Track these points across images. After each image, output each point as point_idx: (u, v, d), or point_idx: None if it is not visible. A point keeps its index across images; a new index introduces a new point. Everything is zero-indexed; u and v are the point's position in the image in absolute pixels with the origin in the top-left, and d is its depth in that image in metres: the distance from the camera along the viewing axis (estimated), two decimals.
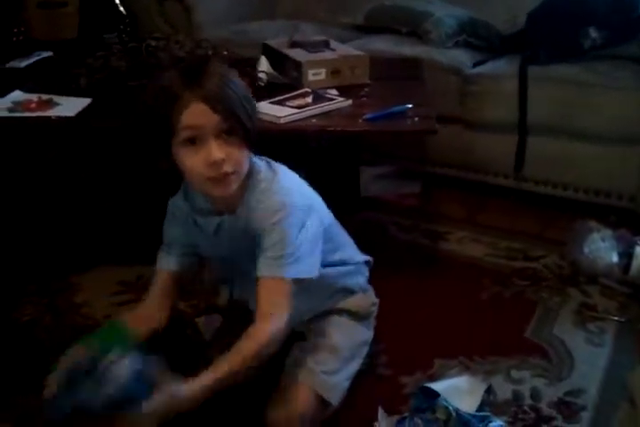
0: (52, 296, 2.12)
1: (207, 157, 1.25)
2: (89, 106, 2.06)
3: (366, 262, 1.71)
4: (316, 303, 1.59)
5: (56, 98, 2.08)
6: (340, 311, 1.63)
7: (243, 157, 1.32)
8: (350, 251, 1.67)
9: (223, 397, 1.32)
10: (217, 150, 1.25)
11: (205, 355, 1.46)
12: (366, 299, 1.69)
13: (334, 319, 1.61)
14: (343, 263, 1.62)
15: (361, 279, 1.70)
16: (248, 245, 1.40)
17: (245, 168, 1.35)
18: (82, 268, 2.24)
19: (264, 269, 1.35)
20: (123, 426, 1.16)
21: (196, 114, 1.24)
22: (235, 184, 1.33)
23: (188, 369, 1.31)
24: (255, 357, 1.30)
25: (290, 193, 1.40)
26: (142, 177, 2.33)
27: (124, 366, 1.15)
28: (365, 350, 1.65)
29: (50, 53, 2.54)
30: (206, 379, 1.24)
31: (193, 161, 1.27)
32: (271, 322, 1.33)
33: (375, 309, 1.71)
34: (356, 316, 1.64)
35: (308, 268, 1.38)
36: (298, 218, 1.37)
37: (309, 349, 1.54)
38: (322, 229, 1.46)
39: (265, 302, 1.34)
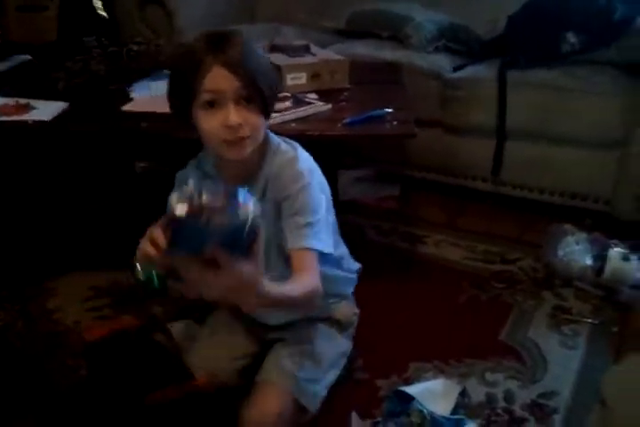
0: (24, 302, 2.11)
1: (224, 120, 1.29)
2: (66, 110, 2.05)
3: (357, 270, 1.73)
4: None
5: (33, 102, 2.08)
6: (325, 320, 1.64)
7: (259, 124, 1.34)
8: (346, 251, 1.69)
9: (198, 396, 1.32)
10: (234, 115, 1.28)
11: (176, 359, 1.45)
12: (350, 308, 1.71)
13: (318, 327, 1.62)
14: (339, 264, 1.63)
15: (350, 289, 1.72)
16: None
17: (261, 134, 1.38)
18: (55, 273, 2.23)
19: (291, 241, 1.37)
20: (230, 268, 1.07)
21: (218, 78, 1.27)
22: (249, 148, 1.35)
23: (158, 373, 1.32)
24: (309, 296, 1.31)
25: (312, 165, 1.45)
26: (118, 182, 2.34)
27: (250, 206, 1.06)
28: (344, 361, 1.66)
29: (28, 57, 2.54)
30: (281, 289, 1.23)
31: (210, 123, 1.30)
32: (309, 275, 1.33)
33: (356, 319, 1.72)
34: (339, 325, 1.66)
35: (326, 243, 1.40)
36: (317, 191, 1.42)
37: (291, 354, 1.54)
38: (329, 215, 1.48)
39: (297, 265, 1.35)
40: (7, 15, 2.66)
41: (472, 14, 2.92)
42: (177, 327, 1.91)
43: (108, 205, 2.30)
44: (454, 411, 1.65)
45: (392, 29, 2.94)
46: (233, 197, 1.03)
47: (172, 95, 1.36)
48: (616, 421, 1.49)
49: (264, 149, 1.43)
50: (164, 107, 2.04)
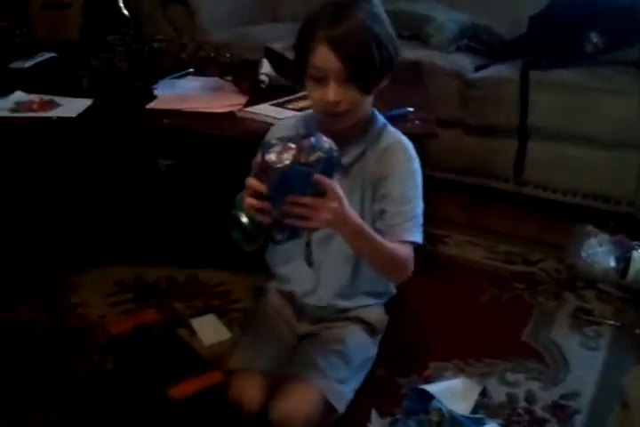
0: (49, 296, 2.12)
1: (324, 95, 1.34)
2: (90, 107, 2.06)
3: None
4: (348, 287, 1.60)
5: (57, 99, 2.09)
6: (358, 321, 1.63)
7: (358, 100, 1.37)
8: None
9: (221, 390, 1.32)
10: (333, 93, 1.33)
11: (197, 355, 1.45)
12: (382, 314, 1.70)
13: (352, 328, 1.61)
14: None
15: (389, 292, 1.71)
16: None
17: (362, 109, 1.41)
18: (80, 268, 2.24)
19: (394, 229, 1.41)
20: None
21: (323, 57, 1.31)
22: (347, 121, 1.40)
23: (181, 368, 1.32)
24: (400, 261, 1.39)
25: (416, 155, 1.48)
26: (142, 178, 2.35)
27: (326, 138, 1.21)
28: (370, 365, 1.64)
29: (53, 54, 2.55)
30: (373, 233, 1.31)
31: (313, 95, 1.38)
32: (408, 250, 1.41)
33: (384, 326, 1.70)
34: (371, 329, 1.65)
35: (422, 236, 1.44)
36: (421, 181, 1.46)
37: (324, 352, 1.53)
38: None
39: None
40: (32, 13, 2.68)
41: (494, 14, 2.91)
42: (198, 322, 1.93)
43: (131, 202, 2.31)
44: (474, 410, 1.65)
45: (413, 29, 2.93)
46: (311, 136, 1.19)
47: (294, 60, 1.41)
48: (637, 422, 1.49)
49: (366, 124, 1.47)
50: (187, 105, 2.08)
